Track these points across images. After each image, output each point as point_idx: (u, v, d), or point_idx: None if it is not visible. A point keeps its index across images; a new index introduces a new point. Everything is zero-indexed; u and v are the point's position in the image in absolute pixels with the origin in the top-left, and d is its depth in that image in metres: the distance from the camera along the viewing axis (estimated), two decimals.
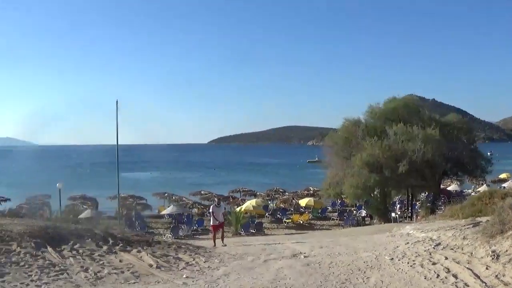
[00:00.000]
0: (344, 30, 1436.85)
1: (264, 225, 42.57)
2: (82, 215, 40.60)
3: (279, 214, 48.35)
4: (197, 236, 37.47)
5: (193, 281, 11.72)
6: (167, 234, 36.52)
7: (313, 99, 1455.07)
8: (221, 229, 23.84)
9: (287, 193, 62.01)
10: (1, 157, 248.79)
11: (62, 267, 12.16)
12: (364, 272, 11.98)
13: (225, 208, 30.91)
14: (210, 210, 24.77)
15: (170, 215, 46.44)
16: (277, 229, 42.63)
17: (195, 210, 50.19)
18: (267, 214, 48.59)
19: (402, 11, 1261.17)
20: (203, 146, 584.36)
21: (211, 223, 24.04)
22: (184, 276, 12.28)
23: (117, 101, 31.70)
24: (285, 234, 38.62)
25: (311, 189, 63.60)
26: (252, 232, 39.04)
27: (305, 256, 14.99)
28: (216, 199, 29.31)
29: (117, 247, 15.11)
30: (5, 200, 54.21)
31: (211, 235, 26.53)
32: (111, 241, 15.63)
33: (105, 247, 14.87)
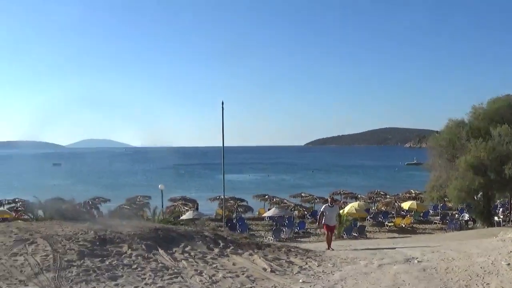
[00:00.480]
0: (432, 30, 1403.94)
1: (365, 228, 41.73)
2: (184, 217, 41.10)
3: (380, 217, 47.35)
4: (299, 239, 37.21)
5: (310, 286, 11.27)
6: (268, 237, 36.36)
7: (411, 101, 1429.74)
8: (331, 233, 22.98)
9: (388, 196, 60.71)
10: (101, 158, 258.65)
11: (175, 270, 11.92)
12: (483, 278, 11.36)
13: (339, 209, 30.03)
14: (322, 210, 23.65)
15: (271, 217, 46.35)
16: (379, 233, 42.03)
17: (295, 213, 49.87)
18: (368, 217, 47.71)
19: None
20: (300, 148, 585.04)
21: (324, 223, 22.90)
22: (300, 280, 11.81)
23: (222, 102, 31.86)
24: (388, 237, 38.08)
25: (413, 192, 62.07)
26: (354, 235, 38.34)
27: (418, 261, 14.28)
28: (329, 199, 28.56)
29: (228, 250, 14.80)
30: (105, 201, 55.82)
31: (319, 238, 25.82)
32: (221, 244, 15.34)
33: (216, 250, 14.58)
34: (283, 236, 37.48)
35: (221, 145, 33.07)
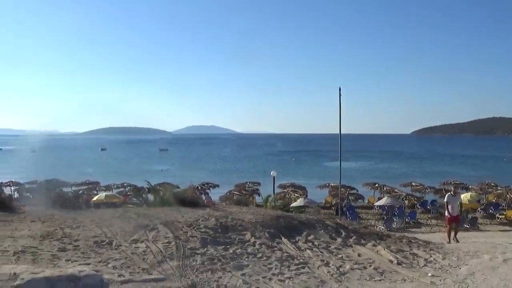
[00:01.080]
0: None
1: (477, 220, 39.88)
2: (294, 204, 40.60)
3: (491, 209, 45.15)
4: (410, 229, 36.36)
5: (440, 280, 10.35)
6: (379, 226, 35.35)
7: None
8: (455, 223, 21.95)
9: (499, 188, 57.78)
10: (207, 144, 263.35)
11: (301, 260, 11.24)
12: None
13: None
14: (445, 200, 22.60)
15: (381, 206, 45.16)
16: (490, 225, 40.06)
17: (405, 202, 48.36)
18: (479, 209, 45.63)
19: None
20: (406, 137, 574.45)
21: (446, 215, 22.00)
22: (429, 274, 10.92)
23: (340, 88, 30.96)
24: (499, 230, 36.68)
25: None
26: (466, 227, 36.62)
27: None
28: (452, 188, 27.20)
29: (351, 240, 14.01)
30: (214, 186, 56.12)
31: (443, 229, 24.63)
32: (343, 233, 14.59)
33: (339, 240, 13.83)
34: (394, 226, 36.51)
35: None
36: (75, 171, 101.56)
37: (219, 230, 12.46)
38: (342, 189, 50.61)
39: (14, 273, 7.78)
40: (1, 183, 59.02)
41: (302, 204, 41.01)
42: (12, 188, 59.59)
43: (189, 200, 16.11)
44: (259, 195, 48.65)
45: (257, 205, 33.81)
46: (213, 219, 13.37)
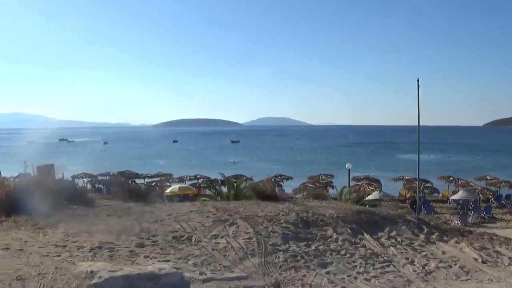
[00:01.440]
0: None
1: None
2: (369, 197, 39.93)
3: None
4: (485, 224, 35.33)
5: None
6: (455, 221, 34.33)
7: None
8: None
9: None
10: (278, 135, 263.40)
11: (385, 258, 10.74)
12: None
13: None
14: None
15: (456, 200, 44.00)
16: None
17: (480, 196, 46.90)
18: None
19: None
20: (478, 129, 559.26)
21: None
22: None
23: (418, 80, 30.31)
24: None
25: None
26: None
27: None
28: None
29: (433, 236, 13.40)
30: (287, 178, 55.86)
31: None
32: (425, 229, 13.97)
33: (421, 236, 13.24)
34: (469, 221, 35.55)
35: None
36: (147, 162, 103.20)
37: (300, 226, 12.09)
38: (416, 182, 49.64)
39: (91, 271, 7.61)
40: (74, 175, 59.56)
41: (377, 197, 40.44)
42: (85, 180, 60.40)
43: (268, 194, 15.77)
44: (333, 188, 48.01)
45: (332, 198, 33.39)
46: (293, 213, 13.01)
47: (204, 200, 29.76)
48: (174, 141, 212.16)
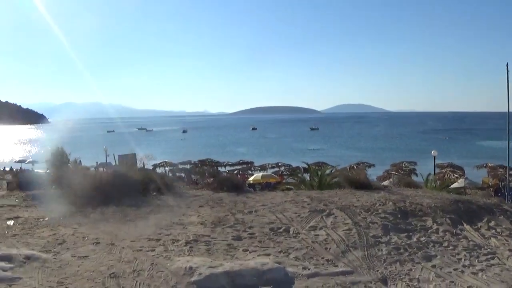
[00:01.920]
0: None
1: None
2: (454, 185, 38.66)
3: None
4: None
5: None
6: None
7: None
8: None
9: None
10: (357, 122, 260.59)
11: (489, 250, 10.02)
12: None
13: None
14: None
15: None
16: None
17: None
18: None
19: None
20: None
21: None
22: None
23: (507, 64, 28.94)
24: None
25: None
26: None
27: None
28: None
29: None
30: (370, 166, 54.97)
31: None
32: None
33: None
34: None
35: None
36: (227, 151, 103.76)
37: (399, 216, 11.48)
38: (501, 170, 47.82)
39: (190, 267, 7.32)
40: (155, 164, 59.76)
41: (462, 185, 38.96)
42: (167, 168, 60.62)
43: (362, 182, 15.23)
44: (416, 175, 46.79)
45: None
46: (390, 203, 12.41)
47: (287, 189, 29.48)
48: (253, 129, 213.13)
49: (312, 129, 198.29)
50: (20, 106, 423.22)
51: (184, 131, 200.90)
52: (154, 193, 14.87)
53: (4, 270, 7.39)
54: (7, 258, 7.94)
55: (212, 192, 15.72)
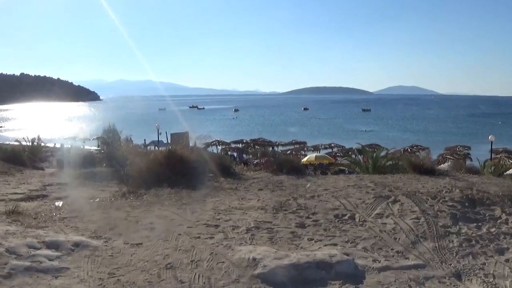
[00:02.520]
0: None
1: None
2: (509, 171, 37.47)
3: None
4: None
5: None
6: None
7: None
8: None
9: None
10: (409, 104, 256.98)
11: None
12: None
13: None
14: None
15: None
16: None
17: None
18: None
19: None
20: None
21: None
22: None
23: None
24: None
25: None
26: None
27: None
28: None
29: None
30: (423, 149, 53.74)
31: None
32: None
33: None
34: None
35: None
36: (279, 130, 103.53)
37: (466, 204, 10.74)
38: None
39: (254, 258, 6.88)
40: (207, 142, 59.19)
41: None
42: (219, 147, 60.08)
43: (426, 167, 14.55)
44: (471, 160, 45.61)
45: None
46: (457, 190, 11.68)
47: (340, 169, 28.90)
48: (305, 109, 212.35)
49: (364, 110, 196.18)
50: (71, 83, 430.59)
51: (236, 110, 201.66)
52: (211, 175, 14.26)
53: (50, 259, 6.90)
54: (54, 245, 7.51)
55: (271, 174, 15.13)
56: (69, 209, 10.80)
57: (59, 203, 11.61)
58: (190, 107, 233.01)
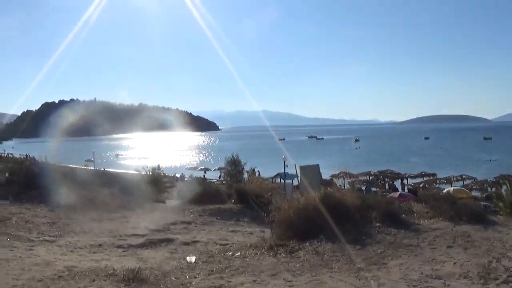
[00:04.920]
0: None
1: None
2: None
3: None
4: None
5: None
6: None
7: None
8: None
9: None
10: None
11: None
12: None
13: None
14: None
15: None
16: None
17: None
18: None
19: None
20: None
21: None
22: None
23: None
24: None
25: None
26: None
27: None
28: None
29: None
30: None
31: None
32: None
33: None
34: None
35: None
36: (401, 160, 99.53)
37: None
38: None
39: None
40: (333, 174, 56.92)
41: None
42: (346, 180, 57.49)
43: None
44: None
45: None
46: None
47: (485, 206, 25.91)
48: (426, 138, 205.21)
49: (485, 138, 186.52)
50: (191, 113, 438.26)
51: (356, 140, 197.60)
52: (378, 224, 11.68)
53: None
54: None
55: (450, 223, 12.32)
56: (207, 270, 8.60)
57: (191, 259, 9.60)
58: (309, 137, 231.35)
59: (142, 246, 11.02)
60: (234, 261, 9.33)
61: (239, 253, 9.92)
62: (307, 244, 10.15)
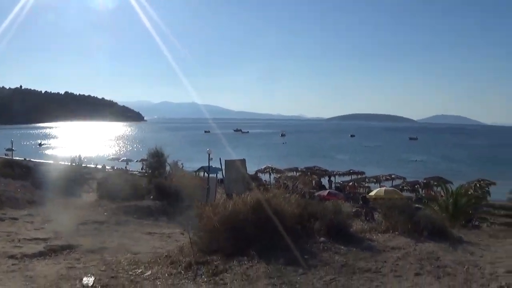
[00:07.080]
0: None
1: None
2: None
3: None
4: None
5: None
6: None
7: None
8: None
9: None
10: (455, 134, 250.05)
11: None
12: None
13: None
14: None
15: None
16: None
17: None
18: None
19: None
20: None
21: None
22: None
23: None
24: None
25: None
26: None
27: None
28: None
29: None
30: (490, 184, 49.25)
31: None
32: None
33: None
34: None
35: None
36: (327, 156, 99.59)
37: None
38: None
39: None
40: (259, 169, 55.41)
41: None
42: (272, 176, 55.94)
43: None
44: None
45: None
46: None
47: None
48: (352, 136, 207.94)
49: (411, 138, 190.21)
50: (116, 103, 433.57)
51: (283, 135, 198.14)
52: (322, 239, 9.49)
53: None
54: None
55: (410, 239, 10.10)
56: None
57: (89, 281, 7.53)
58: (234, 131, 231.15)
59: (40, 255, 9.42)
60: (142, 285, 7.47)
61: (149, 272, 8.08)
62: (235, 262, 8.24)
